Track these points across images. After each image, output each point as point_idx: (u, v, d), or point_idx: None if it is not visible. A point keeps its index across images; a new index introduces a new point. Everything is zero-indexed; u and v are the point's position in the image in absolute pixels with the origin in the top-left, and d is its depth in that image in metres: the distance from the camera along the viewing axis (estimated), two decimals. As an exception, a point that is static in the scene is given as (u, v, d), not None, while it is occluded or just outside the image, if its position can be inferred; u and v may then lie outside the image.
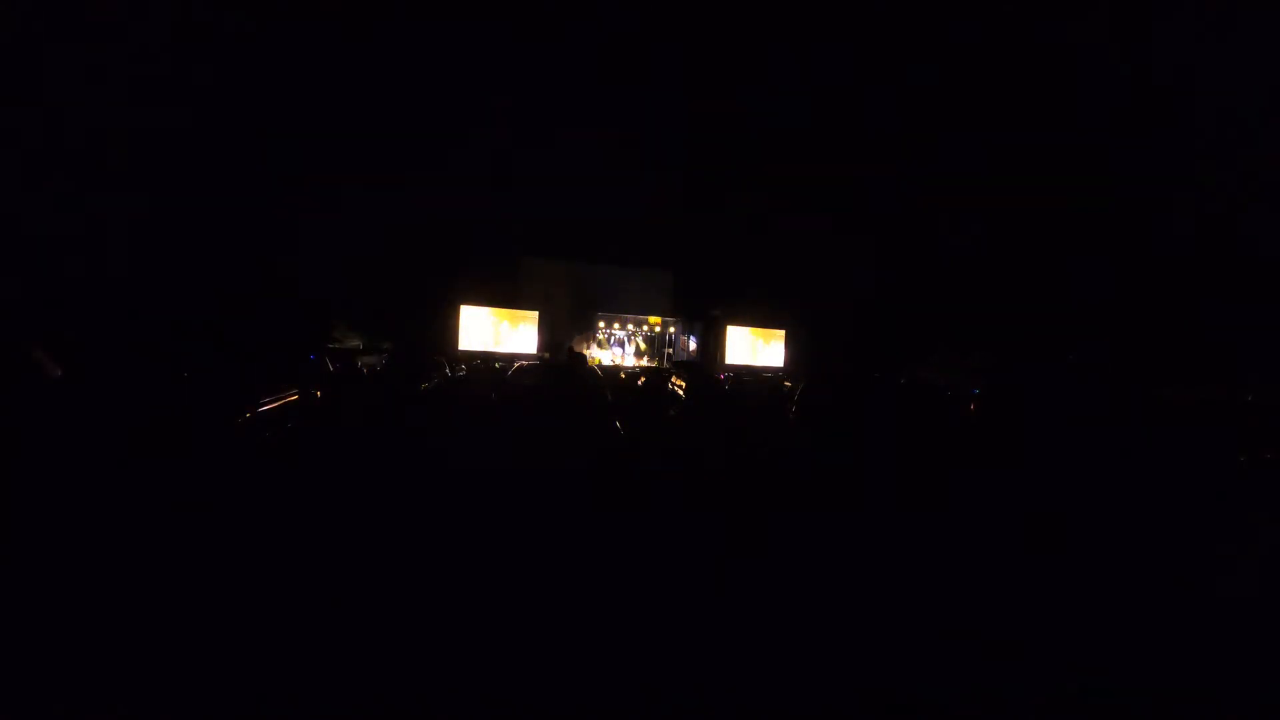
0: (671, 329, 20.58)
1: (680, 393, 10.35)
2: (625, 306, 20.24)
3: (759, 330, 20.41)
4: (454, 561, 3.84)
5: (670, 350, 20.33)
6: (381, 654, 2.75)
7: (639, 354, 20.14)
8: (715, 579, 3.71)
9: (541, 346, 18.89)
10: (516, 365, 11.90)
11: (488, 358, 17.25)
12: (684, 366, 14.32)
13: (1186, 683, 2.78)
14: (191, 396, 5.41)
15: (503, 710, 2.45)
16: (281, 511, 4.42)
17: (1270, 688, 2.79)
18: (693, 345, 20.40)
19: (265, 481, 5.03)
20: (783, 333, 20.54)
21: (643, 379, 12.06)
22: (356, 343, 15.57)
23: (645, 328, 20.42)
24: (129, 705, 2.38)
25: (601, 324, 19.82)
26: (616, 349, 19.81)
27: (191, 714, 2.37)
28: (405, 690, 2.53)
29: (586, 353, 15.71)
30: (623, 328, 20.14)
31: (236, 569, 3.51)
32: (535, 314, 19.19)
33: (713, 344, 20.13)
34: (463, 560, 3.85)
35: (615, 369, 17.46)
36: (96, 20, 12.96)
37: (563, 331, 19.10)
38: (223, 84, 14.57)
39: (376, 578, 3.52)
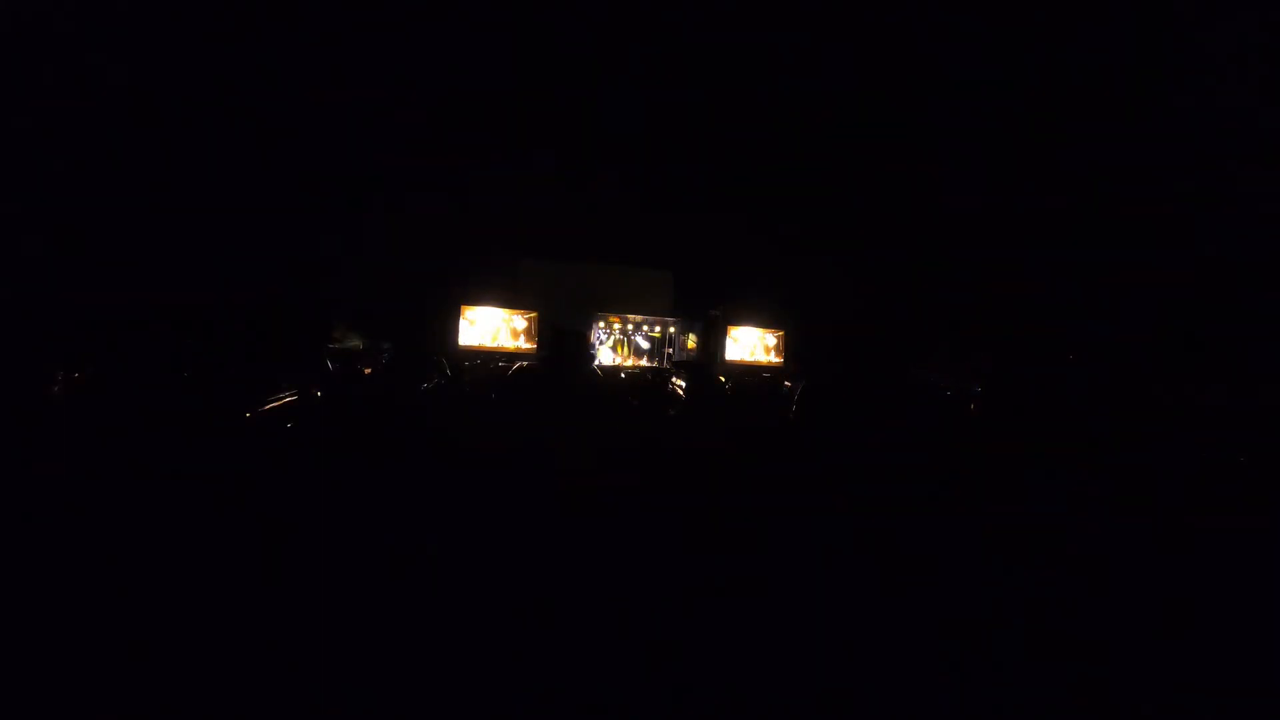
0: (671, 329, 20.56)
1: (680, 393, 10.35)
2: (625, 306, 20.22)
3: (759, 330, 20.37)
4: (451, 563, 3.84)
5: (670, 350, 20.31)
6: (373, 655, 2.75)
7: (638, 354, 20.12)
8: (713, 580, 3.70)
9: (541, 347, 18.85)
10: (517, 365, 11.92)
11: (488, 357, 17.23)
12: (685, 366, 14.30)
13: (1186, 685, 2.79)
14: (192, 396, 5.40)
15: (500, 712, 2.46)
16: (281, 511, 4.42)
17: (1271, 688, 2.79)
18: (693, 345, 20.38)
19: (265, 481, 5.02)
20: (783, 333, 20.51)
21: (641, 379, 12.06)
22: (356, 343, 15.53)
23: (645, 328, 20.40)
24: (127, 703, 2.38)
25: (601, 324, 19.81)
26: (609, 352, 19.77)
27: (190, 713, 2.37)
28: (402, 692, 2.53)
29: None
30: (622, 330, 20.11)
31: (236, 569, 3.51)
32: (535, 314, 19.16)
33: (713, 344, 20.10)
34: (460, 562, 3.85)
35: (616, 369, 17.44)
36: (100, 17, 12.95)
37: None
38: (223, 83, 14.57)
39: (373, 578, 3.52)
